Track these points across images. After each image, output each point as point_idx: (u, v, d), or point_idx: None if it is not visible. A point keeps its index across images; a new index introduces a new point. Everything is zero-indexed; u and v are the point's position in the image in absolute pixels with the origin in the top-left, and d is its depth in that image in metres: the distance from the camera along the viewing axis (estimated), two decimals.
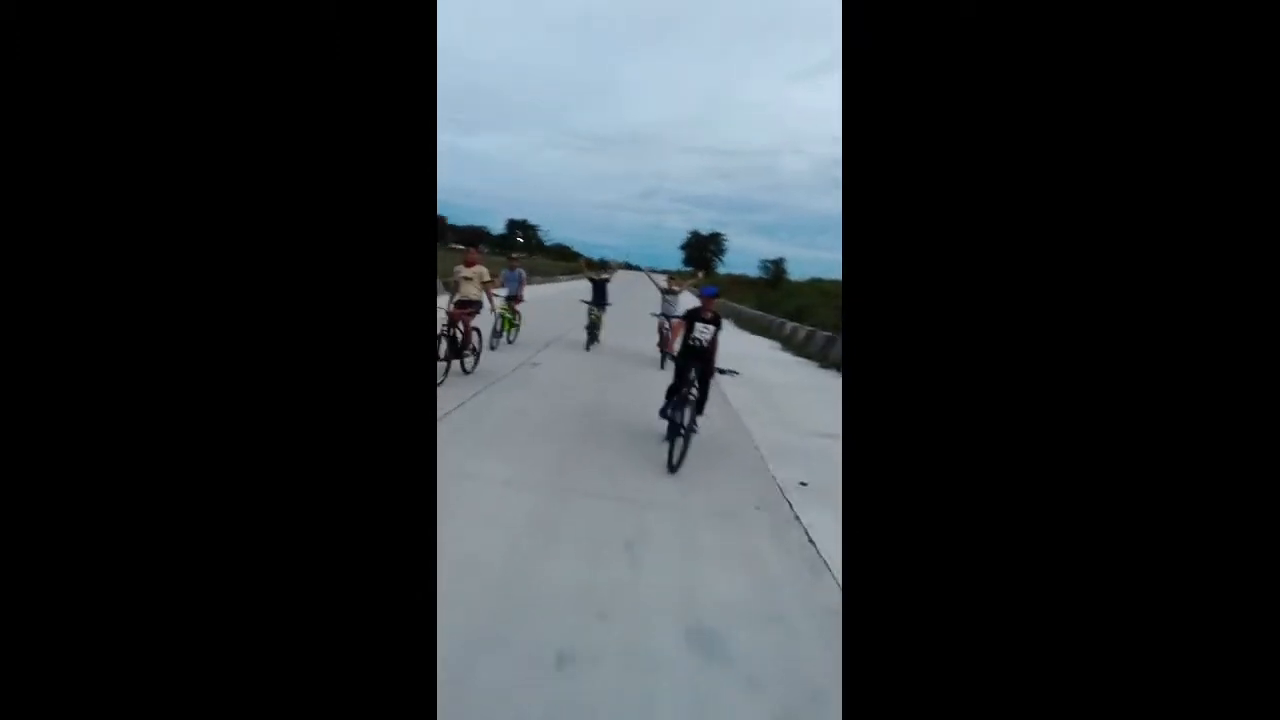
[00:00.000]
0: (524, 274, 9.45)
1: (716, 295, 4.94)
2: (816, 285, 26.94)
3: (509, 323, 8.59)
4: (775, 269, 47.48)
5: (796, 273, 46.99)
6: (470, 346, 6.19)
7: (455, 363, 5.97)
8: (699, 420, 4.59)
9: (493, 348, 7.78)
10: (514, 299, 8.72)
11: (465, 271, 6.27)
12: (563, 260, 57.05)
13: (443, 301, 5.90)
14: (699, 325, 4.60)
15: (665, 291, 9.72)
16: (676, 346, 4.69)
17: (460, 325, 5.93)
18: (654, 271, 16.33)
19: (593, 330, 9.60)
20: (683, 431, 4.30)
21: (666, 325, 9.04)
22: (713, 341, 4.62)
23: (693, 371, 4.51)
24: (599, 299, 9.62)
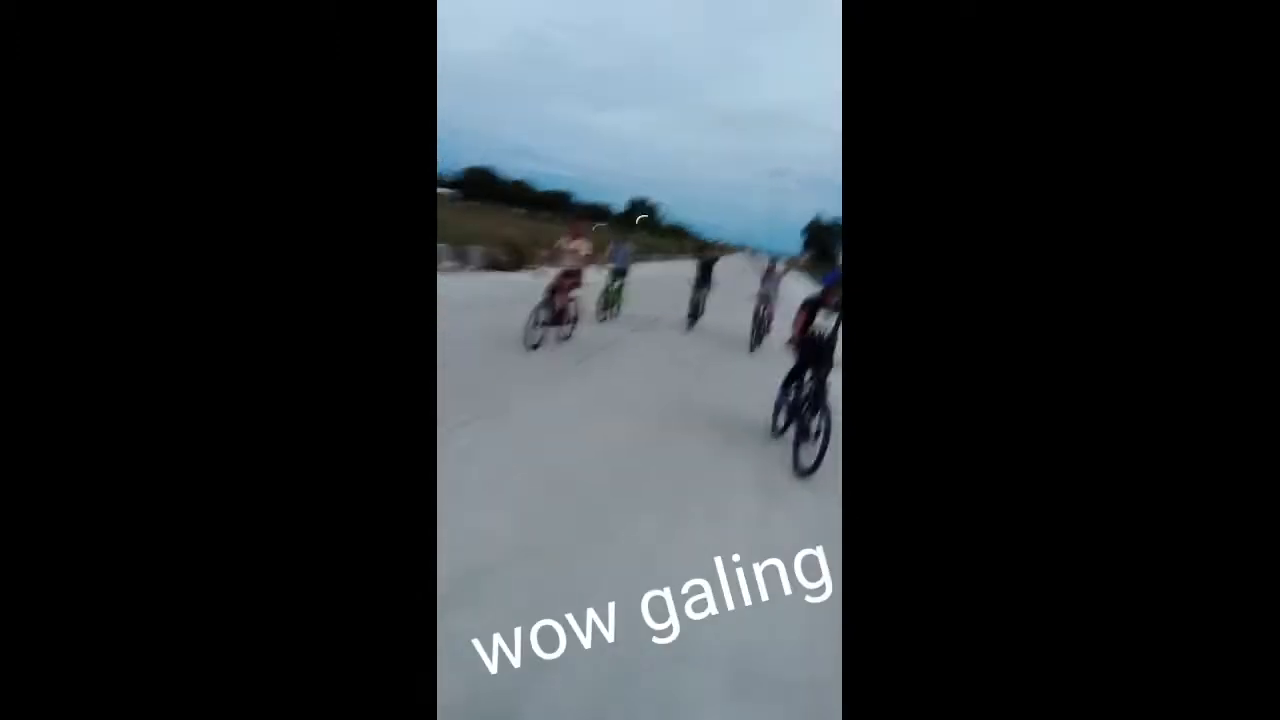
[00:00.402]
0: (630, 250, 10.17)
1: (840, 283, 4.28)
2: None
3: (615, 296, 9.37)
4: None
5: None
6: (568, 316, 6.95)
7: (553, 329, 6.73)
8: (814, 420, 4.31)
9: (601, 320, 8.81)
10: (620, 273, 9.48)
11: (569, 244, 7.04)
12: (678, 240, 59.20)
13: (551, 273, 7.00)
14: (820, 314, 4.38)
15: (765, 274, 10.06)
16: (792, 336, 4.53)
17: (560, 294, 6.66)
18: (756, 252, 16.38)
19: (695, 310, 10.15)
20: (817, 434, 4.16)
21: (762, 308, 9.48)
22: (833, 334, 4.27)
23: (809, 371, 4.39)
24: (704, 278, 10.17)
